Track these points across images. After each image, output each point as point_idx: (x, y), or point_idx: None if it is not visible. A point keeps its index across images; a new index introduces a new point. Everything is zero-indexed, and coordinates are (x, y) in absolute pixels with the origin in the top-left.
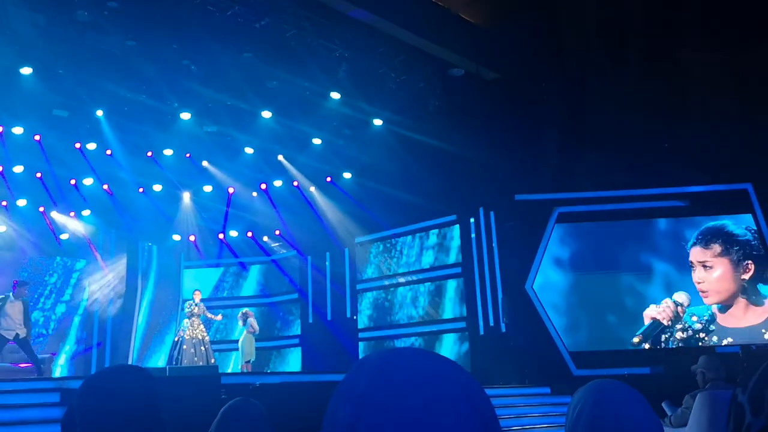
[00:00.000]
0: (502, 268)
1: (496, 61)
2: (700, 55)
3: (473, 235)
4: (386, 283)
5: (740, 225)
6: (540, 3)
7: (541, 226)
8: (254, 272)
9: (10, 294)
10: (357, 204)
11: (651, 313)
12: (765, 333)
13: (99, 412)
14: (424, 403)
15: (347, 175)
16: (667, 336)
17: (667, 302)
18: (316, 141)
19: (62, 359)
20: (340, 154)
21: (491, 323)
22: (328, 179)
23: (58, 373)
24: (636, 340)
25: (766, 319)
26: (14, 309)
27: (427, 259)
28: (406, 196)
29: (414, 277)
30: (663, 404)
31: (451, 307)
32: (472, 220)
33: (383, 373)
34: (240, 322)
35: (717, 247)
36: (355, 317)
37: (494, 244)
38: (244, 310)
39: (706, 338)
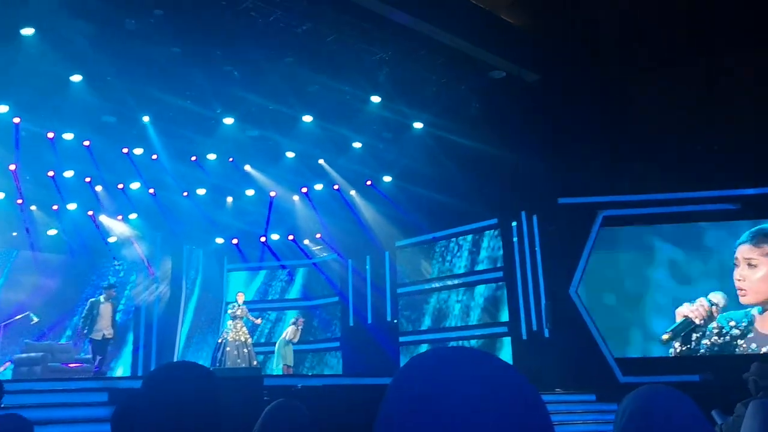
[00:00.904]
0: (545, 273)
1: (538, 62)
2: (747, 54)
3: (515, 239)
4: (427, 287)
5: None
6: (581, 4)
7: (585, 230)
8: (298, 276)
9: (101, 297)
10: (397, 207)
11: (683, 311)
12: None
13: (163, 404)
14: (480, 404)
15: (387, 179)
16: (698, 336)
17: (702, 301)
18: (357, 145)
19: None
20: (380, 158)
21: (534, 328)
22: (369, 183)
23: (120, 373)
24: (665, 337)
25: None
26: (105, 311)
27: (468, 263)
28: (447, 200)
29: (456, 281)
30: (713, 413)
31: (492, 311)
32: (514, 223)
33: (439, 372)
34: (293, 328)
35: (766, 247)
36: (395, 321)
37: (537, 248)
38: (300, 320)
39: (743, 345)
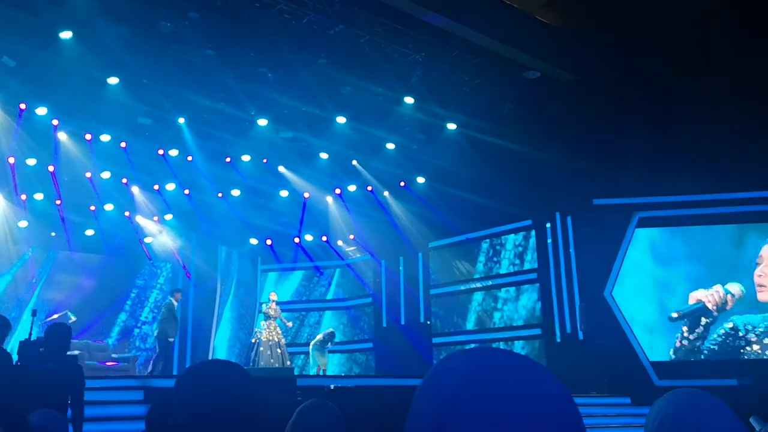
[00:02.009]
0: (579, 274)
1: (573, 62)
2: None
3: (550, 240)
4: (460, 288)
5: None
6: (619, 2)
7: (621, 232)
8: (331, 277)
9: (173, 300)
10: (431, 208)
11: (698, 295)
12: None
13: (197, 402)
14: (514, 407)
15: (421, 180)
16: (708, 321)
17: (717, 288)
18: (390, 146)
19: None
20: (413, 159)
21: (568, 330)
22: (402, 184)
23: None
24: (674, 315)
25: None
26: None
27: (503, 264)
28: (481, 201)
29: (489, 282)
30: (751, 419)
31: (526, 313)
32: (548, 225)
33: (472, 373)
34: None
35: None
36: (429, 322)
37: (571, 250)
38: (330, 331)
39: (758, 349)
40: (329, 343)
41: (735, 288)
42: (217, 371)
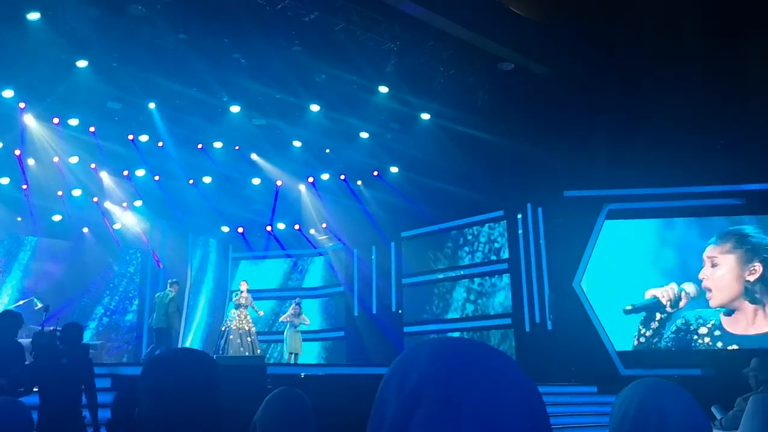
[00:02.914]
0: (549, 265)
1: (547, 55)
2: (759, 51)
3: (521, 231)
4: (432, 277)
5: (760, 227)
6: None
7: (591, 223)
8: (305, 266)
9: (172, 291)
10: (404, 198)
11: (653, 291)
12: None
13: (163, 390)
14: (477, 396)
15: (394, 169)
16: (662, 317)
17: (672, 285)
18: (364, 135)
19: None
20: (387, 148)
21: (537, 320)
22: (376, 173)
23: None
24: (628, 308)
25: None
26: None
27: (474, 255)
28: (454, 191)
29: (461, 272)
30: (712, 408)
31: (496, 303)
32: (519, 216)
33: (436, 363)
34: (290, 311)
35: (727, 245)
36: (400, 311)
37: (542, 241)
38: (297, 302)
39: (709, 342)
40: (301, 317)
41: (690, 287)
42: (184, 359)
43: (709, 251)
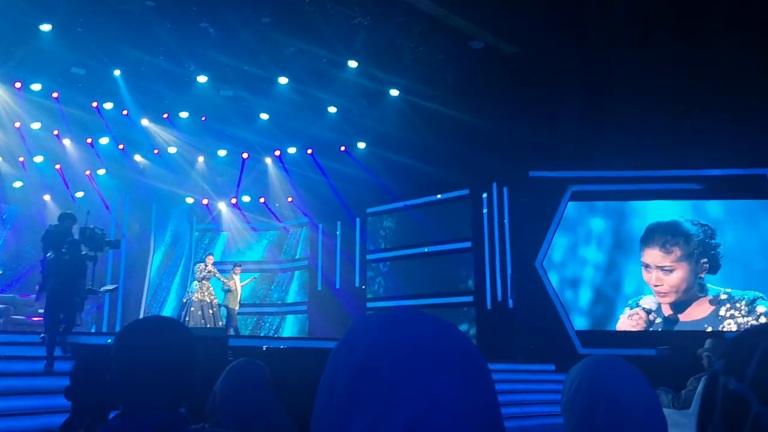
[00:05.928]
0: (512, 244)
1: (517, 35)
2: (728, 36)
3: (485, 210)
4: (396, 254)
5: (689, 221)
6: None
7: (555, 204)
8: (265, 238)
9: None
10: (370, 174)
11: (623, 326)
12: (707, 327)
13: (137, 356)
14: (425, 368)
15: (362, 145)
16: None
17: (639, 312)
18: (332, 109)
19: None
20: (355, 124)
21: (499, 298)
22: (343, 148)
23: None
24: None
25: (710, 312)
26: None
27: (438, 232)
28: (421, 168)
29: (424, 249)
30: (659, 390)
31: (459, 280)
32: (485, 194)
33: (384, 335)
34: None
35: (678, 251)
36: (363, 287)
37: (506, 220)
38: (237, 268)
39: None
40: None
41: (649, 302)
42: (158, 328)
43: (658, 259)
